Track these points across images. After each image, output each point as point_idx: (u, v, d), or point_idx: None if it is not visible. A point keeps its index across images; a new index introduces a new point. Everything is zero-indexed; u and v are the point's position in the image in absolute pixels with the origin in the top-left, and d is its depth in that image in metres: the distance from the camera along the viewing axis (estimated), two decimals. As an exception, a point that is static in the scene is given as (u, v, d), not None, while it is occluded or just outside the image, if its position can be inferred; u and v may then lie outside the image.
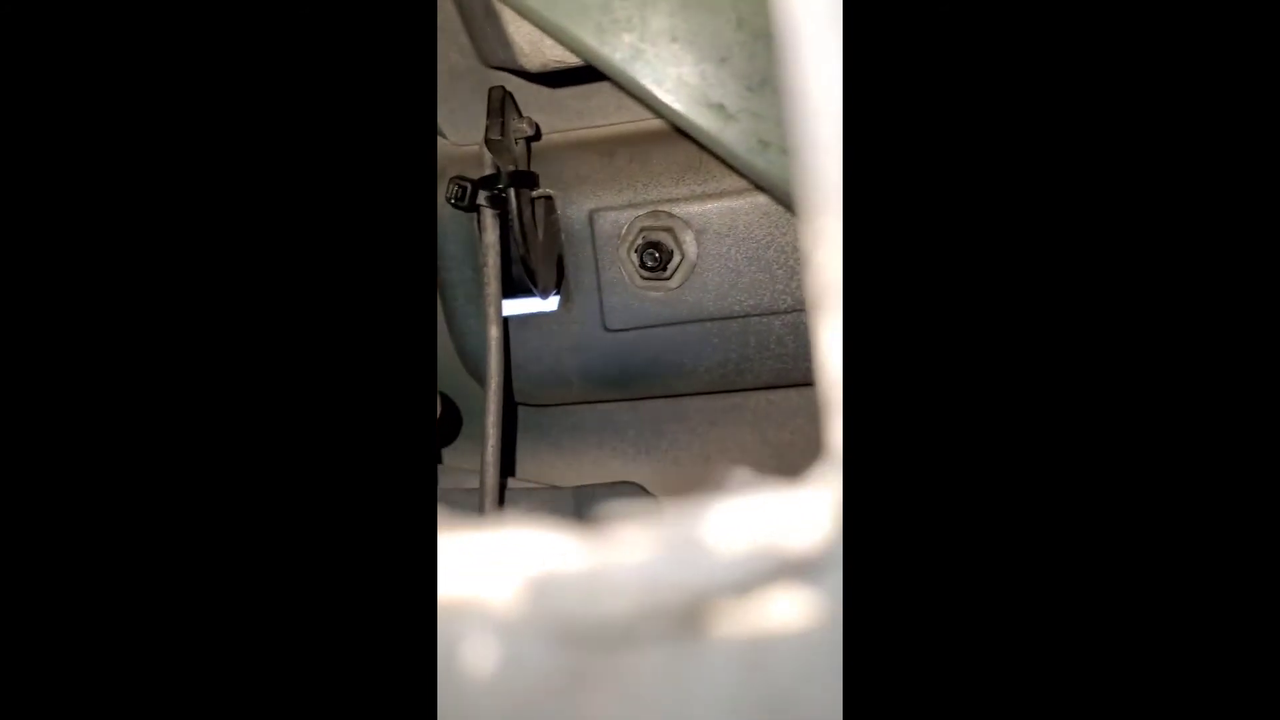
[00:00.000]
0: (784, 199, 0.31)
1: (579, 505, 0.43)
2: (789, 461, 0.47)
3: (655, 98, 0.29)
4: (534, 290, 0.44)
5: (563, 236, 0.43)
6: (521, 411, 0.48)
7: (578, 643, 0.12)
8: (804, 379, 0.45)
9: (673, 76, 0.29)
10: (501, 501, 0.42)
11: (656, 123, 0.43)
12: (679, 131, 0.41)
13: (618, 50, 0.29)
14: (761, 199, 0.41)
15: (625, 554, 0.12)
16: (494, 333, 0.41)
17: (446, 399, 0.42)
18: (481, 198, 0.40)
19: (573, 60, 0.36)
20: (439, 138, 0.44)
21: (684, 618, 0.12)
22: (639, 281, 0.43)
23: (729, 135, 0.29)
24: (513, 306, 0.44)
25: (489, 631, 0.12)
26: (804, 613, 0.13)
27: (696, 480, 0.38)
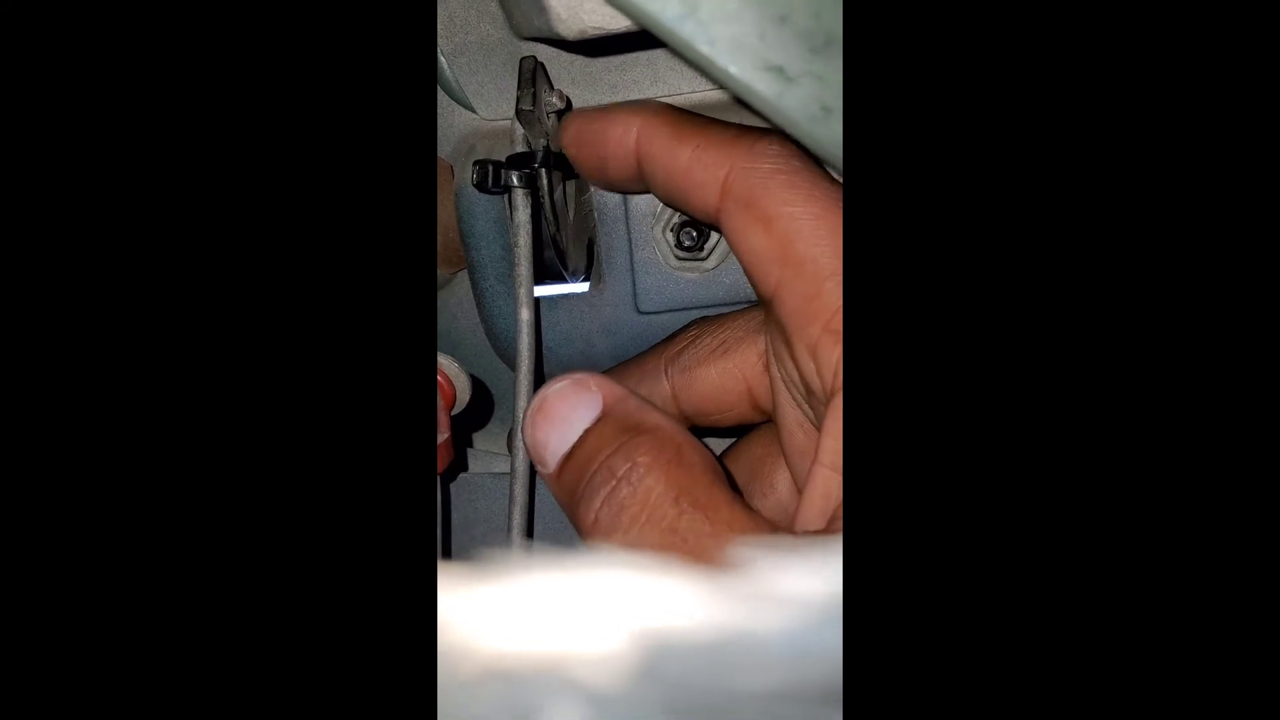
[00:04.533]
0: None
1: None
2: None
3: (708, 60, 0.26)
4: (565, 271, 0.40)
5: (595, 215, 0.40)
6: (552, 395, 0.45)
7: (699, 725, 0.09)
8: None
9: (728, 37, 0.25)
10: (532, 486, 0.39)
11: (694, 97, 0.39)
12: (739, 103, 0.37)
13: (668, 7, 0.25)
14: (804, 176, 0.38)
15: (772, 611, 0.09)
16: (525, 315, 0.37)
17: (478, 382, 0.39)
18: (513, 177, 0.37)
19: (612, 26, 0.32)
20: (469, 112, 0.40)
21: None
22: (674, 262, 0.40)
23: (789, 101, 0.25)
24: (543, 288, 0.41)
25: (581, 703, 0.09)
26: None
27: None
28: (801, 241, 0.25)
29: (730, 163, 0.27)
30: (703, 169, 0.28)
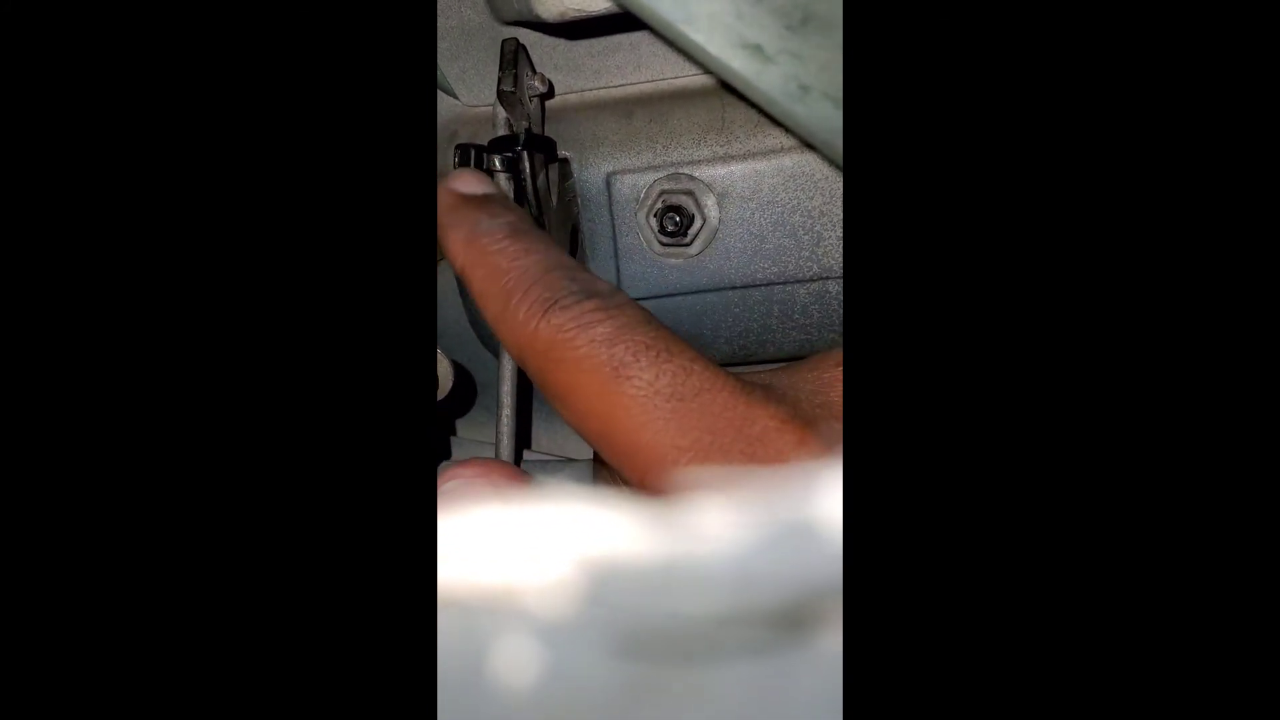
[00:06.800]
0: (826, 151, 0.28)
1: (597, 478, 0.40)
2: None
3: (685, 38, 0.26)
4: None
5: (578, 201, 0.40)
6: (536, 382, 0.45)
7: (645, 651, 0.09)
8: (827, 350, 0.42)
9: (705, 14, 0.25)
10: (516, 474, 0.39)
11: (677, 82, 0.39)
12: (723, 87, 0.37)
13: (646, -14, 0.25)
14: (788, 161, 0.38)
15: (711, 539, 0.09)
16: (508, 301, 0.37)
17: (461, 368, 0.39)
18: (495, 160, 0.37)
19: (592, 8, 0.33)
20: (451, 98, 0.40)
21: (785, 623, 0.09)
22: (658, 248, 0.40)
23: (766, 80, 0.26)
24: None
25: (530, 633, 0.09)
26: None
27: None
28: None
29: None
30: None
